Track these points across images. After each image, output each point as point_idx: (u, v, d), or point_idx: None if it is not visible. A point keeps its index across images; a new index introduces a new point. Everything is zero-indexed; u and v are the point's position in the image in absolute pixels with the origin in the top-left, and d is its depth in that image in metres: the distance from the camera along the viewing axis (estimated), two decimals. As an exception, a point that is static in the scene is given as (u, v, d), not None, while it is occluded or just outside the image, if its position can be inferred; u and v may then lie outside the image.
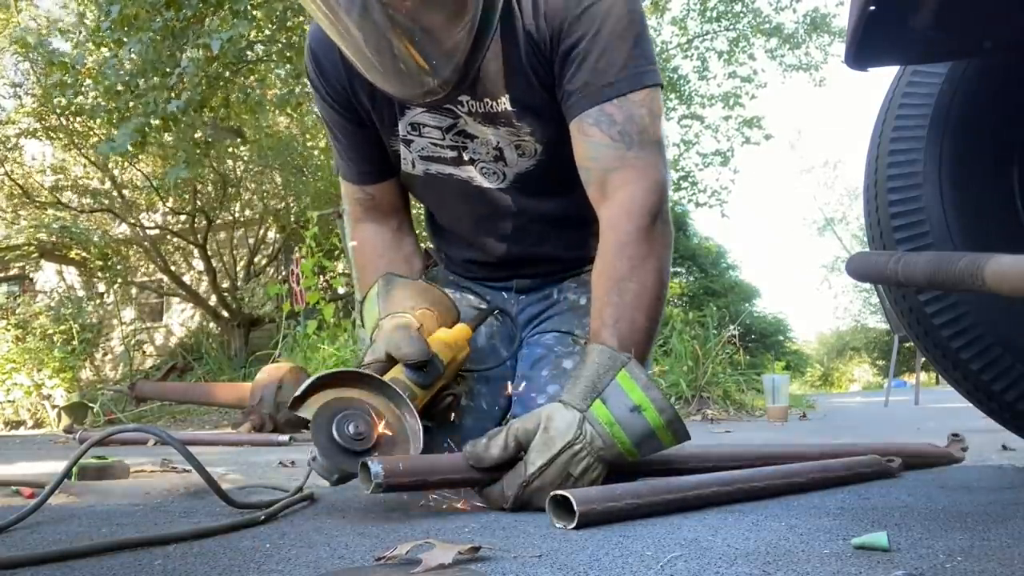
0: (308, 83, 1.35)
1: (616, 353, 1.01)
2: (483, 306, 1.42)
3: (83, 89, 6.15)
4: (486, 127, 1.23)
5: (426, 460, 0.98)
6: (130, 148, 5.46)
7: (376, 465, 0.89)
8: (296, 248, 7.02)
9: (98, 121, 6.83)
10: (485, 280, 1.46)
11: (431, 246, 1.55)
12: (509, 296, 1.44)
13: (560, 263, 1.42)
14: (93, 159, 9.37)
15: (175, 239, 10.72)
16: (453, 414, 1.21)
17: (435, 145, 1.27)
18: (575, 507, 0.83)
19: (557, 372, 1.26)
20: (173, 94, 5.39)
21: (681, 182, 13.09)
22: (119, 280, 10.68)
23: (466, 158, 1.27)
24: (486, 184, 1.29)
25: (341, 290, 8.05)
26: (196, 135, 6.24)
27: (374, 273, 1.31)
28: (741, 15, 11.09)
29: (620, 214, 1.12)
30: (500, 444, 0.97)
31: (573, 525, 0.83)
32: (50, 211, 10.24)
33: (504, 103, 1.20)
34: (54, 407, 7.04)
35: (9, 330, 8.49)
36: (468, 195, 1.30)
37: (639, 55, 1.14)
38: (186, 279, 10.98)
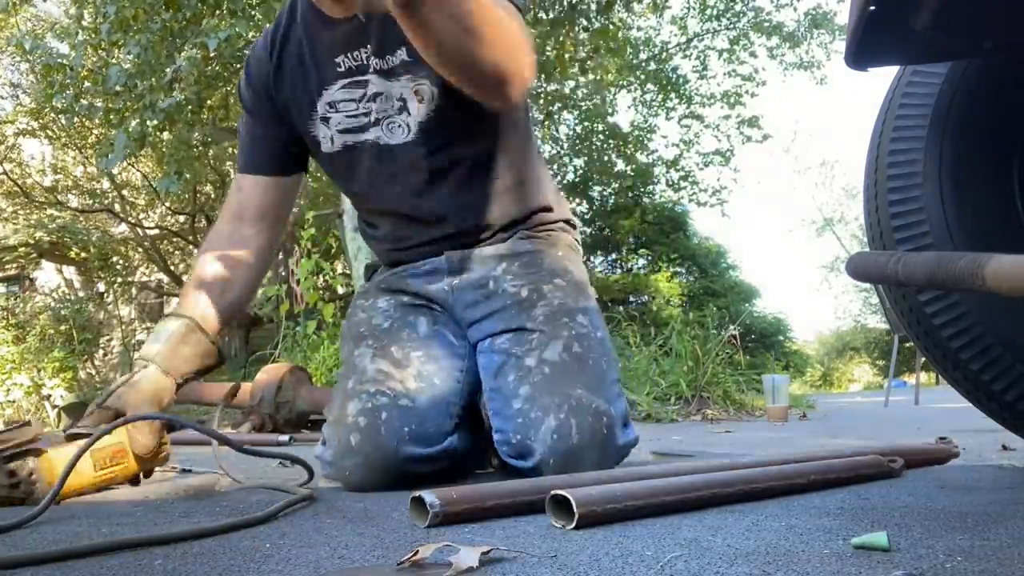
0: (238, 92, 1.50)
1: None
2: (417, 302, 1.44)
3: (83, 91, 6.15)
4: (390, 81, 1.35)
5: (482, 487, 1.00)
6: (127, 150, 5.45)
7: (431, 495, 0.88)
8: (295, 248, 7.02)
9: (97, 121, 6.83)
10: (416, 261, 1.46)
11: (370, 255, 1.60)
12: (444, 284, 1.44)
13: (481, 223, 1.42)
14: (92, 159, 9.36)
15: (175, 239, 10.72)
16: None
17: (350, 117, 1.38)
18: (575, 508, 0.83)
19: (523, 373, 1.28)
20: (167, 94, 5.38)
21: (681, 181, 13.10)
22: (119, 280, 10.68)
23: (373, 119, 1.37)
24: (394, 140, 1.37)
25: (340, 290, 8.06)
26: (195, 135, 6.24)
27: (188, 284, 1.41)
28: (741, 13, 11.10)
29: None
30: None
31: (572, 526, 0.83)
32: (49, 211, 10.24)
33: (402, 54, 1.33)
34: (54, 407, 7.04)
35: (9, 330, 8.49)
36: (380, 157, 1.38)
37: None
38: (186, 279, 10.98)
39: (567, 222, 1.54)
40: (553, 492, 0.88)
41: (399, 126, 1.36)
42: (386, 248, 1.52)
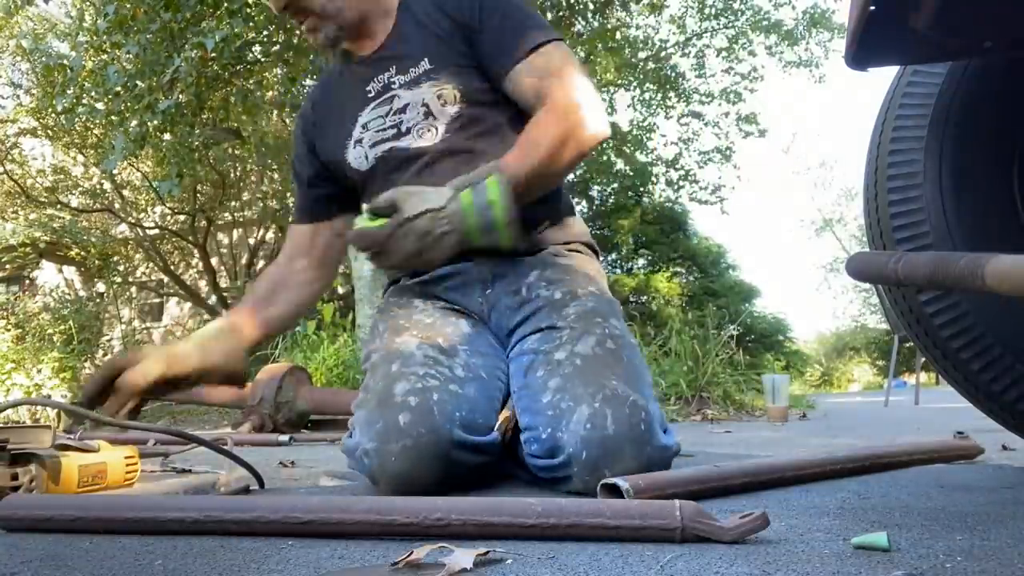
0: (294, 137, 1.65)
1: (499, 165, 1.25)
2: (456, 308, 1.41)
3: (83, 91, 6.14)
4: (413, 90, 1.43)
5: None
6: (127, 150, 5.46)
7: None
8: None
9: (98, 122, 6.83)
10: (448, 281, 1.43)
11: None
12: (479, 297, 1.41)
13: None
14: (93, 159, 9.36)
15: (175, 239, 10.72)
16: None
17: (379, 131, 1.45)
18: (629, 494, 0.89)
19: (552, 367, 1.21)
20: (166, 95, 5.38)
21: (680, 180, 13.10)
22: (119, 280, 10.68)
23: (404, 128, 1.43)
24: (423, 143, 1.41)
25: (340, 290, 8.06)
26: (195, 133, 6.23)
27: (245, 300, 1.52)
28: (740, 12, 11.09)
29: (547, 105, 1.33)
30: (385, 197, 1.23)
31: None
32: (49, 211, 10.24)
33: (424, 64, 1.43)
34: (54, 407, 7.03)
35: (9, 330, 8.48)
36: (410, 161, 1.42)
37: (543, 22, 1.43)
38: (186, 279, 10.97)
39: (589, 246, 1.53)
40: (604, 481, 0.97)
41: (428, 130, 1.42)
42: None
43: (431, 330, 1.33)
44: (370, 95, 1.46)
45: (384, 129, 1.45)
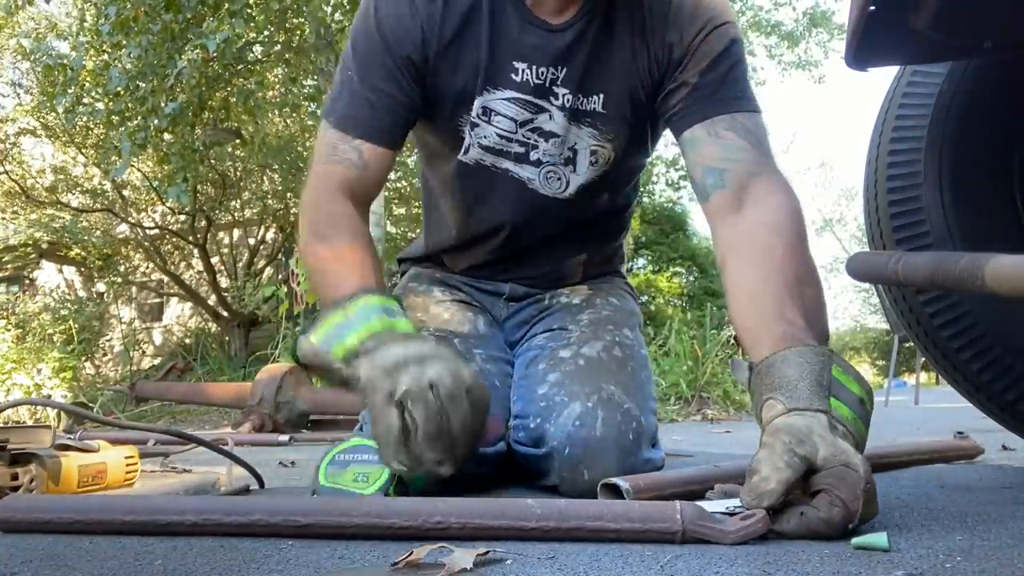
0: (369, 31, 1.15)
1: (821, 348, 0.87)
2: (474, 304, 1.38)
3: (83, 92, 6.15)
4: (570, 124, 1.17)
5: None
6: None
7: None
8: (295, 248, 7.02)
9: (97, 121, 6.83)
10: (477, 281, 1.40)
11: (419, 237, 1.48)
12: (501, 303, 1.40)
13: (567, 276, 1.40)
14: (93, 159, 9.37)
15: (175, 239, 10.72)
16: None
17: (501, 137, 1.18)
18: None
19: (554, 362, 1.21)
20: (169, 97, 5.39)
21: (681, 180, 13.10)
22: (119, 280, 10.68)
23: (533, 158, 1.20)
24: (543, 190, 1.22)
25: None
26: (196, 132, 6.23)
27: (361, 272, 1.06)
28: (740, 12, 11.10)
29: (783, 219, 1.01)
30: (784, 468, 0.75)
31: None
32: (49, 211, 10.24)
33: (596, 103, 1.16)
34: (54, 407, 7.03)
35: (9, 330, 8.49)
36: (518, 197, 1.23)
37: (751, 85, 1.15)
38: (186, 279, 10.98)
39: (621, 272, 1.52)
40: (604, 481, 0.96)
41: (558, 179, 1.22)
42: (448, 246, 1.38)
43: (447, 327, 1.30)
44: (515, 78, 1.15)
45: (509, 139, 1.19)
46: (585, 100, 1.16)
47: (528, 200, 1.23)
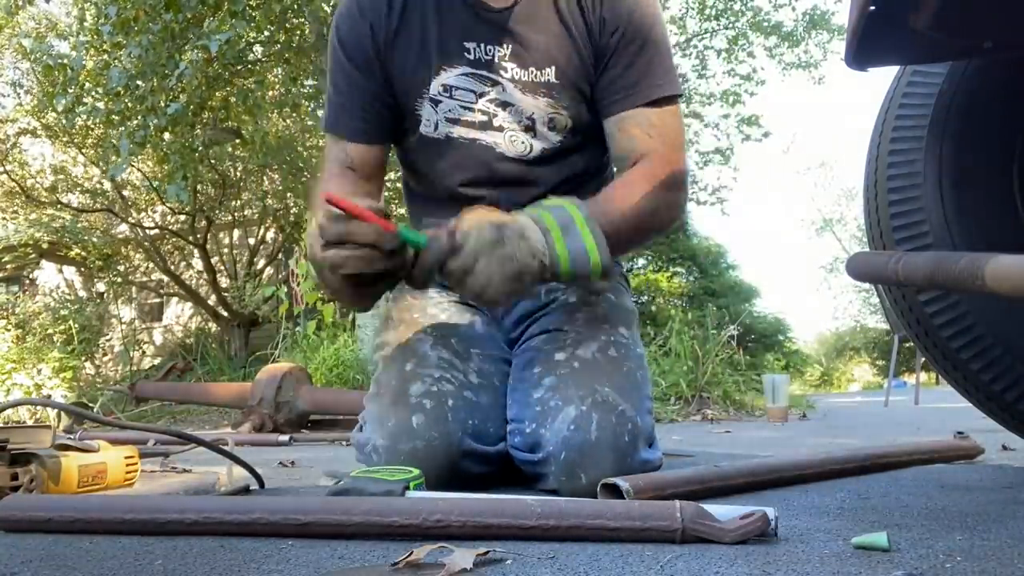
0: (332, 39, 1.32)
1: (589, 210, 1.11)
2: (471, 303, 1.37)
3: (83, 91, 6.15)
4: (525, 95, 1.27)
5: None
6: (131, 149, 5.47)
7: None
8: (295, 248, 7.02)
9: (97, 121, 6.83)
10: None
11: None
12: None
13: None
14: (94, 159, 9.37)
15: (175, 239, 10.71)
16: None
17: (464, 108, 1.28)
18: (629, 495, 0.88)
19: (549, 366, 1.22)
20: (170, 97, 5.39)
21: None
22: (119, 280, 10.68)
23: (495, 124, 1.28)
24: (510, 152, 1.30)
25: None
26: (196, 132, 6.24)
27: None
28: (740, 13, 11.10)
29: (646, 168, 1.21)
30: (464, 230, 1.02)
31: None
32: (49, 211, 10.24)
33: (549, 74, 1.26)
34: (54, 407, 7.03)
35: (9, 330, 8.49)
36: (489, 163, 1.30)
37: (672, 65, 1.28)
38: (186, 279, 10.98)
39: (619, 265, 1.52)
40: (605, 481, 0.96)
41: (521, 143, 1.30)
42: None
43: (445, 327, 1.31)
44: (468, 56, 1.25)
45: (470, 108, 1.28)
46: (538, 73, 1.26)
47: (499, 162, 1.31)
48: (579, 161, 1.35)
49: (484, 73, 1.26)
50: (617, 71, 1.25)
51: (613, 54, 1.25)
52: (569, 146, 1.32)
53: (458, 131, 1.29)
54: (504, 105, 1.27)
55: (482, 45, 1.25)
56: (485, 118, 1.28)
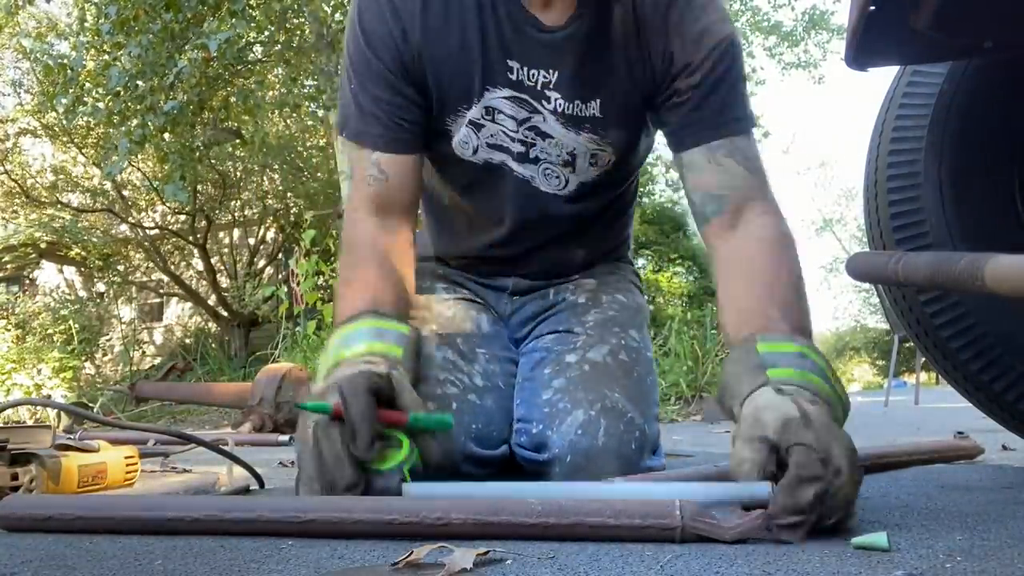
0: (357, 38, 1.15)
1: (804, 349, 0.90)
2: (478, 301, 1.37)
3: (83, 91, 6.15)
4: (567, 130, 1.17)
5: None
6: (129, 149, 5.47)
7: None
8: (295, 248, 7.03)
9: (97, 121, 6.83)
10: (481, 277, 1.40)
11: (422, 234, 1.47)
12: (505, 299, 1.39)
13: (571, 268, 1.40)
14: (94, 159, 9.37)
15: (175, 239, 10.72)
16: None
17: (505, 134, 1.18)
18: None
19: (559, 368, 1.21)
20: (169, 96, 5.39)
21: (681, 180, 13.11)
22: (119, 280, 10.69)
23: (532, 155, 1.20)
24: (544, 188, 1.23)
25: (341, 290, 8.01)
26: (195, 132, 6.24)
27: (361, 294, 1.12)
28: (740, 13, 11.11)
29: (769, 235, 1.06)
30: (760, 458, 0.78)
31: None
32: (49, 211, 10.24)
33: (594, 108, 1.15)
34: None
35: (9, 330, 8.49)
36: (521, 194, 1.23)
37: (748, 99, 1.16)
38: (186, 279, 10.98)
39: (629, 259, 1.53)
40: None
41: (556, 177, 1.22)
42: (456, 249, 1.40)
43: (450, 326, 1.30)
44: (510, 76, 1.13)
45: (512, 137, 1.18)
46: (583, 106, 1.15)
47: (531, 197, 1.24)
48: (609, 195, 1.32)
49: (526, 98, 1.15)
50: (694, 101, 1.11)
51: (684, 85, 1.11)
52: (604, 181, 1.26)
53: (498, 157, 1.20)
54: (543, 136, 1.18)
55: (525, 68, 1.13)
56: (523, 148, 1.19)
